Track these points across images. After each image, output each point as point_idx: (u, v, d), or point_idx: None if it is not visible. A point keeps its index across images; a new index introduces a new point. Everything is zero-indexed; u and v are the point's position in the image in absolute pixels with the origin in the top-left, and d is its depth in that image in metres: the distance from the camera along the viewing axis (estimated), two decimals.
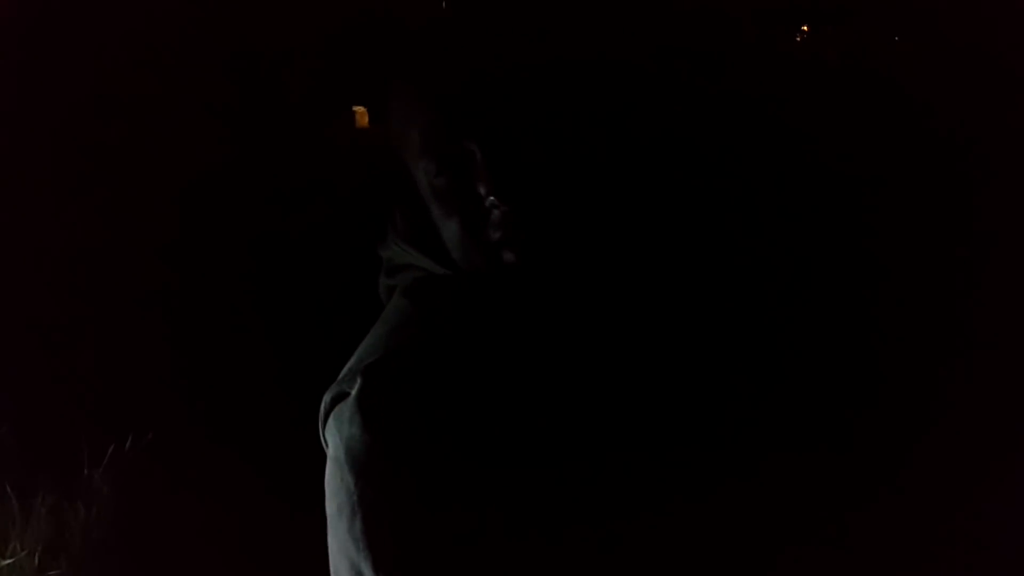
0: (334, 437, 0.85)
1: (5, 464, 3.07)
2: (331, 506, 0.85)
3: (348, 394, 0.84)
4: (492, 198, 0.84)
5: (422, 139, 0.88)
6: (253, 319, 4.68)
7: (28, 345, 4.13)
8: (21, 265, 5.35)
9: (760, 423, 0.94)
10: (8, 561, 2.74)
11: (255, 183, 7.78)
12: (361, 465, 0.82)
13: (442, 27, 0.96)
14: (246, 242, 6.12)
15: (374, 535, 0.81)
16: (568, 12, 1.00)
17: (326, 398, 0.87)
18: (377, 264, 1.00)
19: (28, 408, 3.53)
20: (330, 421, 0.86)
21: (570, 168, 0.88)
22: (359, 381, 0.84)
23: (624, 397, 0.87)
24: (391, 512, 0.81)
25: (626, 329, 0.91)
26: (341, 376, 0.87)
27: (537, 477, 0.82)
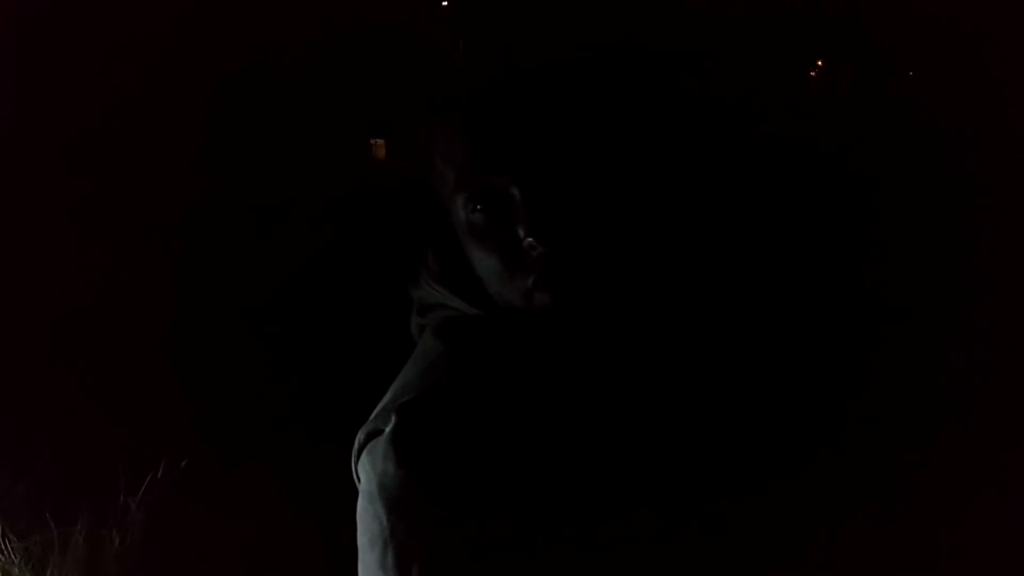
0: (367, 472, 0.87)
1: (44, 491, 3.12)
2: (363, 539, 0.88)
3: (382, 431, 0.86)
4: (530, 239, 0.85)
5: (460, 177, 0.88)
6: (288, 353, 4.75)
7: (66, 376, 4.21)
8: (59, 299, 5.46)
9: (772, 437, 0.95)
10: None
11: (286, 213, 7.88)
12: (394, 500, 0.84)
13: (481, 66, 0.98)
14: (283, 278, 6.20)
15: (405, 568, 0.83)
16: (604, 54, 1.01)
17: (360, 435, 0.90)
18: (408, 302, 1.02)
19: (66, 436, 3.60)
20: (364, 457, 0.88)
21: (607, 210, 0.89)
22: (393, 419, 0.86)
23: (652, 434, 0.88)
24: (422, 546, 0.83)
25: (651, 368, 0.92)
26: (375, 414, 0.90)
27: (568, 515, 0.84)
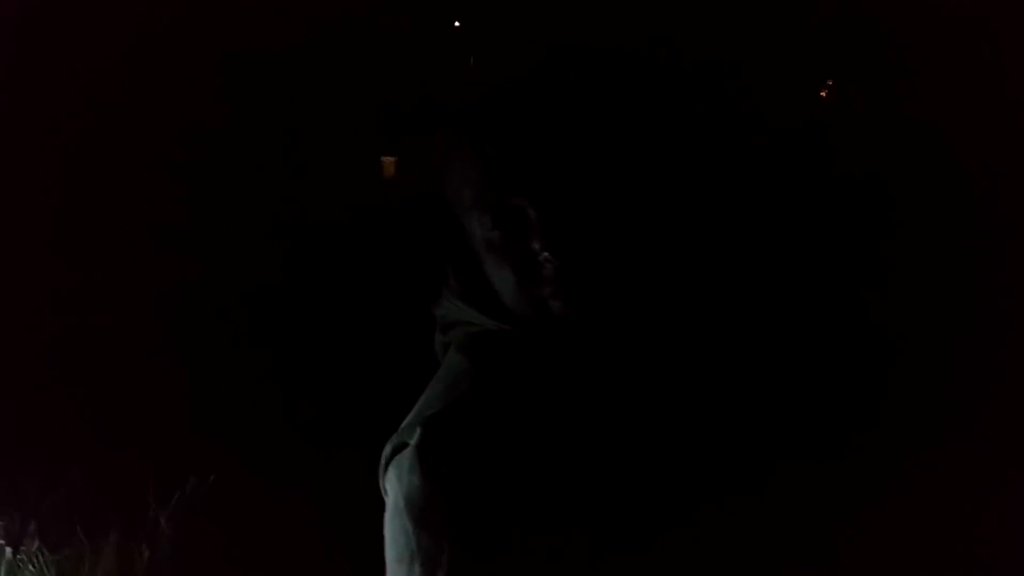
0: (394, 485, 0.89)
1: (75, 505, 3.17)
2: (390, 552, 0.90)
3: (408, 445, 0.89)
4: (545, 253, 0.87)
5: (476, 195, 0.91)
6: (314, 369, 4.80)
7: (97, 392, 4.28)
8: (90, 317, 5.54)
9: (783, 441, 0.97)
10: None
11: (301, 228, 7.94)
12: (420, 512, 0.86)
13: (494, 86, 0.99)
14: (301, 294, 6.26)
15: None
16: (620, 74, 1.03)
17: (387, 449, 0.92)
18: (428, 316, 1.05)
19: (97, 452, 3.65)
20: (390, 470, 0.90)
21: (619, 223, 0.91)
22: (419, 432, 0.88)
23: (669, 442, 0.90)
24: (448, 558, 0.85)
25: (664, 377, 0.94)
26: (401, 428, 0.92)
27: (592, 526, 0.85)
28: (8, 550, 2.87)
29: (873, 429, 3.21)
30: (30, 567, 2.85)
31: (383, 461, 0.92)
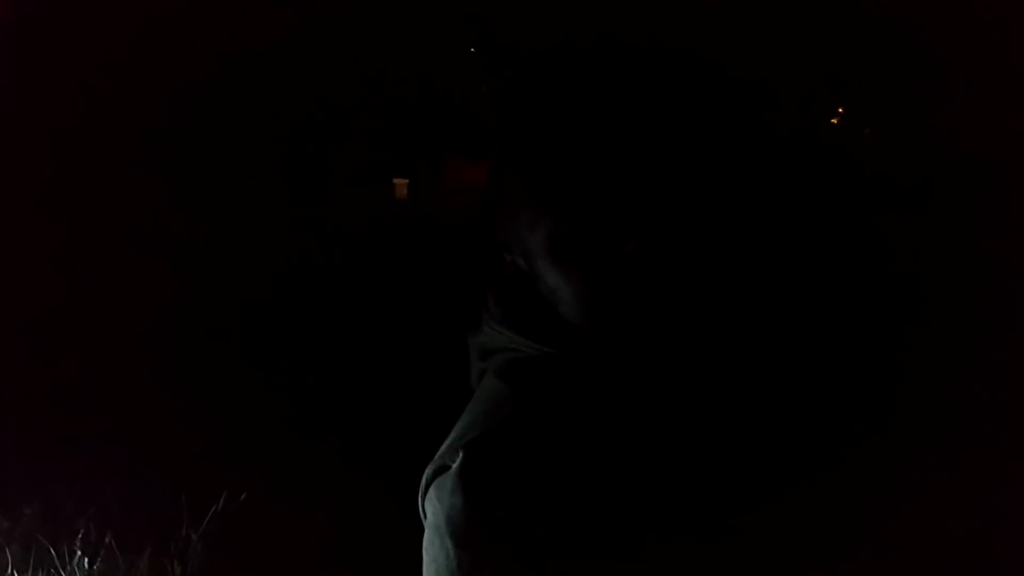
0: (434, 506, 0.92)
1: (110, 520, 3.23)
2: (428, 571, 0.92)
3: (449, 467, 0.92)
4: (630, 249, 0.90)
5: (534, 218, 0.94)
6: (347, 390, 4.84)
7: (133, 411, 4.35)
8: (122, 330, 5.62)
9: (805, 447, 0.99)
10: None
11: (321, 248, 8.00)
12: (461, 533, 0.88)
13: (545, 109, 1.00)
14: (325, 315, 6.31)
15: None
16: (664, 113, 1.05)
17: (428, 471, 0.95)
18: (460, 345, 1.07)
19: (133, 468, 3.71)
20: (431, 492, 0.93)
21: (665, 258, 0.94)
22: (461, 456, 0.91)
23: (708, 469, 0.93)
24: None
25: (696, 402, 0.97)
26: (441, 451, 0.95)
27: (628, 549, 0.88)
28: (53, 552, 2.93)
29: (884, 433, 3.21)
30: None
31: (423, 483, 0.95)
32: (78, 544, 3.00)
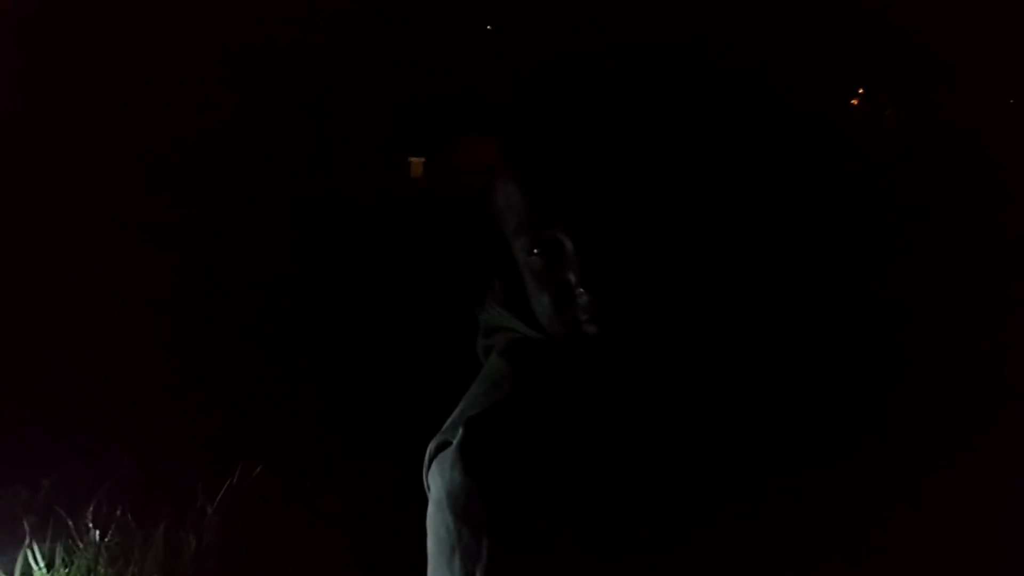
0: (436, 481, 0.94)
1: (127, 494, 3.28)
2: (432, 544, 0.94)
3: (450, 443, 0.94)
4: (581, 288, 0.91)
5: (519, 220, 0.95)
6: (358, 366, 4.89)
7: (151, 389, 4.42)
8: (142, 310, 5.69)
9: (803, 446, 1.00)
10: None
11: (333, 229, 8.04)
12: (460, 507, 0.90)
13: (545, 115, 0.99)
14: (341, 294, 6.36)
15: (469, 571, 0.90)
16: (664, 111, 1.06)
17: (431, 446, 0.97)
18: (469, 322, 1.09)
19: (149, 443, 3.77)
20: (433, 467, 0.95)
21: (654, 258, 0.94)
22: (461, 431, 0.93)
23: (700, 444, 0.94)
24: (486, 551, 0.89)
25: (692, 382, 0.98)
26: (444, 427, 0.97)
27: (624, 524, 0.89)
28: (70, 523, 2.99)
29: (885, 434, 3.21)
30: (84, 551, 2.96)
31: (427, 458, 0.97)
32: (89, 516, 3.04)
